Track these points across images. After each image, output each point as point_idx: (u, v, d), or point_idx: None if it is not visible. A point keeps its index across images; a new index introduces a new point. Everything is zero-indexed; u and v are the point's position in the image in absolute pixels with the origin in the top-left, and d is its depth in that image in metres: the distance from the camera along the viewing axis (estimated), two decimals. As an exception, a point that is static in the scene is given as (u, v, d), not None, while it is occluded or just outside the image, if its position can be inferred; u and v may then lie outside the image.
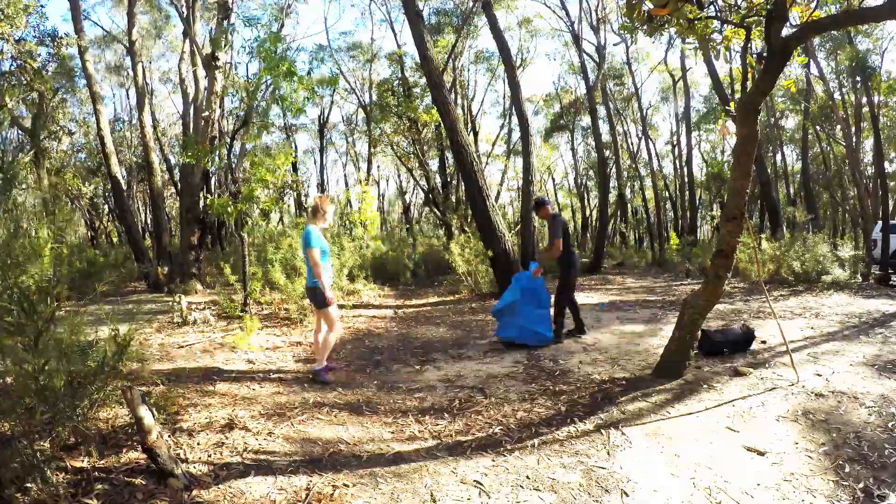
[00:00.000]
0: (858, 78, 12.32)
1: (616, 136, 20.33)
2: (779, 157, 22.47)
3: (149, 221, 21.34)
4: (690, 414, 3.53)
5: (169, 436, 3.09)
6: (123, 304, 8.38)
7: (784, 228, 12.82)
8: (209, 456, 2.95)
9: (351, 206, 18.11)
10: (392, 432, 3.37)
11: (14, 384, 2.45)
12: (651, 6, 3.66)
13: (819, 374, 4.21)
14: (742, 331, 5.10)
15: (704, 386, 4.03)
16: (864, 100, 13.45)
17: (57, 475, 2.53)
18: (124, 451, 2.88)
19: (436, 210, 17.47)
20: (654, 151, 23.84)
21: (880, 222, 10.88)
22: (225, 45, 10.58)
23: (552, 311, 5.76)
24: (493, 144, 24.42)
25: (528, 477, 2.74)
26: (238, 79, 13.04)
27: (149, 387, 4.17)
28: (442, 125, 12.01)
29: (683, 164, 21.14)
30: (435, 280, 11.28)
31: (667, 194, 24.27)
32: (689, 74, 20.21)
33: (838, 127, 16.51)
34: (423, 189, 19.73)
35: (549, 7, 18.91)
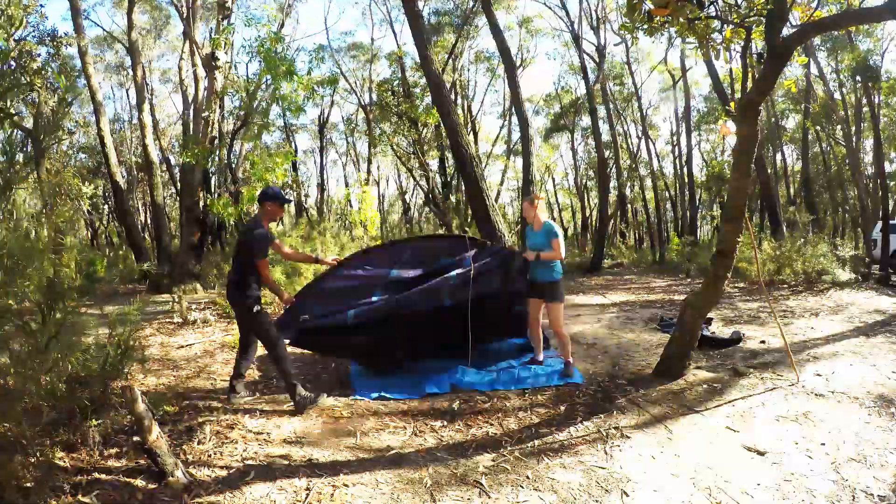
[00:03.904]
0: (859, 78, 12.30)
1: (616, 136, 20.30)
2: (779, 157, 22.46)
3: (149, 222, 21.34)
4: (690, 414, 3.53)
5: (169, 436, 3.09)
6: (124, 305, 8.38)
7: (784, 228, 12.81)
8: (209, 456, 2.95)
9: (351, 206, 18.09)
10: (392, 432, 3.37)
11: (15, 385, 2.45)
12: (651, 6, 3.66)
13: (819, 374, 4.21)
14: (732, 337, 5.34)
15: (704, 386, 4.03)
16: (864, 100, 13.45)
17: (57, 475, 2.53)
18: (124, 451, 2.88)
19: (436, 210, 17.46)
20: (654, 151, 23.84)
21: (880, 222, 10.87)
22: (225, 46, 10.58)
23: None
24: (494, 144, 24.42)
25: (528, 477, 2.74)
26: (238, 79, 13.03)
27: (149, 387, 4.18)
28: (442, 125, 12.00)
29: (683, 163, 21.13)
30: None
31: (667, 194, 24.26)
32: (689, 74, 20.20)
33: (838, 127, 16.51)
34: (423, 189, 19.73)
35: (550, 7, 18.90)
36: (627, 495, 2.55)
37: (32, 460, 2.55)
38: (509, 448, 3.08)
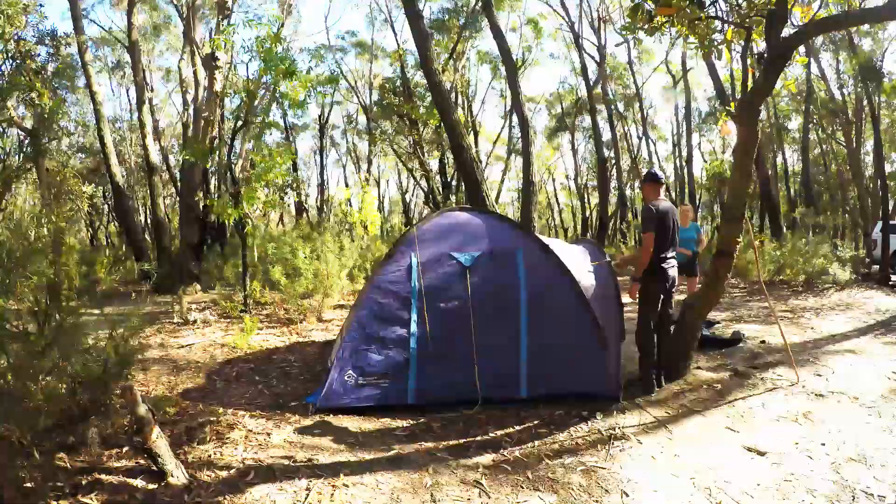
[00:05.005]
0: (860, 78, 12.31)
1: (616, 136, 20.32)
2: (779, 157, 22.45)
3: (149, 222, 21.33)
4: (690, 414, 3.53)
5: (169, 436, 3.09)
6: (124, 306, 8.38)
7: (784, 229, 12.81)
8: (210, 456, 2.95)
9: (351, 206, 18.11)
10: (392, 432, 3.37)
11: (16, 386, 2.45)
12: (653, 6, 3.67)
13: (819, 375, 4.21)
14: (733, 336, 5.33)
15: (705, 386, 4.03)
16: (865, 100, 13.45)
17: (58, 476, 2.53)
18: (124, 451, 2.88)
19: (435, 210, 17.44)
20: (655, 151, 23.86)
21: (880, 222, 10.87)
22: (225, 45, 10.59)
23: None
24: (494, 144, 24.42)
25: (528, 477, 2.74)
26: (239, 79, 13.02)
27: (149, 388, 4.18)
28: (442, 125, 12.00)
29: (684, 164, 21.15)
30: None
31: (667, 195, 24.26)
32: (690, 75, 20.21)
33: (839, 127, 16.51)
34: (423, 189, 19.73)
35: (551, 6, 18.91)
36: (627, 495, 2.55)
37: (33, 461, 2.55)
38: (509, 448, 3.08)
